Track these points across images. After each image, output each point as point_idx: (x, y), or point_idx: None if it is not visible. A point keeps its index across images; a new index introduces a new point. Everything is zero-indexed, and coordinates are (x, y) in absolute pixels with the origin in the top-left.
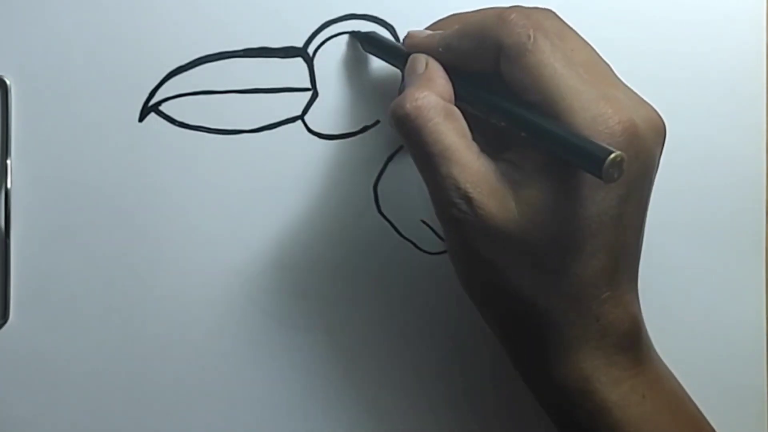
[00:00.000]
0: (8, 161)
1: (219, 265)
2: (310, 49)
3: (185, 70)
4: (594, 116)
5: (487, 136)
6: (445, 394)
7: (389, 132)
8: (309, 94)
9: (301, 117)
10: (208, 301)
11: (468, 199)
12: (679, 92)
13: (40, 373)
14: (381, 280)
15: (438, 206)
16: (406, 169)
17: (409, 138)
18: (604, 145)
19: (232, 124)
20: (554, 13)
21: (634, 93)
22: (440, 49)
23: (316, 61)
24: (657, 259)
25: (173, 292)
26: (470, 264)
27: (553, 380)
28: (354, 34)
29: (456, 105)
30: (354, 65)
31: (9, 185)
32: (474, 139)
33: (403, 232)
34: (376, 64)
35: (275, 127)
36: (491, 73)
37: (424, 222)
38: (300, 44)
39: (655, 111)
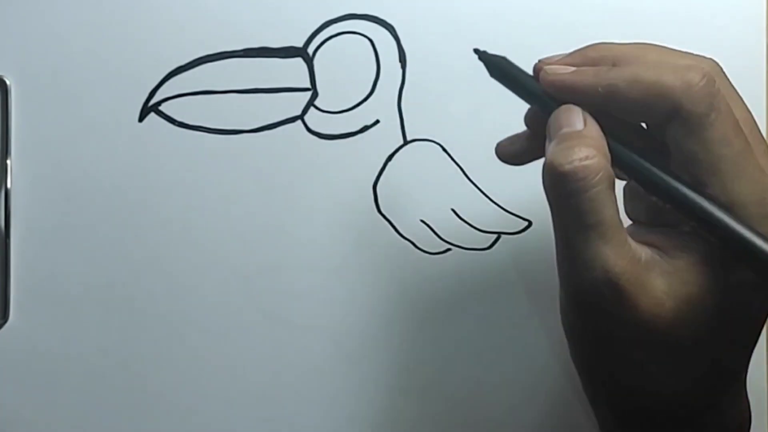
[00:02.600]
0: (8, 161)
1: (219, 264)
2: (310, 49)
3: (185, 70)
4: (763, 209)
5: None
6: (445, 394)
7: (389, 132)
8: (309, 94)
9: (301, 117)
10: (207, 301)
11: (616, 286)
12: None
13: (40, 373)
14: (380, 280)
15: (574, 286)
16: (406, 169)
17: (564, 201)
18: None
19: (232, 124)
20: (720, 67)
21: None
22: (600, 90)
23: (316, 61)
24: None
25: (173, 291)
26: (599, 353)
27: None
28: (482, 56)
29: None
30: (354, 65)
31: (9, 185)
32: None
33: (402, 232)
34: (375, 64)
35: (275, 127)
36: (645, 131)
37: (423, 222)
38: (300, 44)
39: None
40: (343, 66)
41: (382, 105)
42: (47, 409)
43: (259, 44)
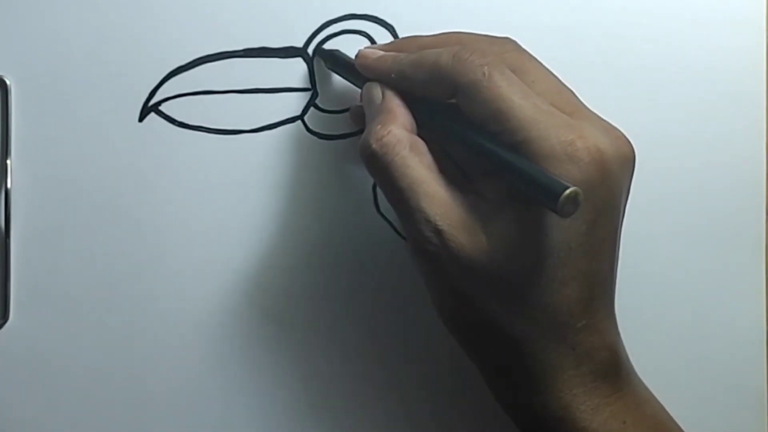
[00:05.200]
0: (8, 161)
1: (218, 264)
2: (310, 49)
3: (185, 70)
4: (558, 143)
5: (452, 168)
6: (445, 393)
7: None
8: (309, 94)
9: (301, 117)
10: (207, 301)
11: (438, 231)
12: (679, 93)
13: (40, 373)
14: (380, 280)
15: (411, 241)
16: None
17: (378, 175)
18: (560, 179)
19: (232, 124)
20: (515, 43)
21: (601, 119)
22: (393, 76)
23: (316, 61)
24: (657, 260)
25: (173, 291)
26: (445, 297)
27: (533, 409)
28: (319, 52)
29: (418, 133)
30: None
31: (9, 185)
32: (440, 171)
33: (402, 232)
34: None
35: (275, 127)
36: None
37: None
38: (300, 44)
39: (624, 137)
40: None
41: None
42: (47, 409)
43: (259, 44)
